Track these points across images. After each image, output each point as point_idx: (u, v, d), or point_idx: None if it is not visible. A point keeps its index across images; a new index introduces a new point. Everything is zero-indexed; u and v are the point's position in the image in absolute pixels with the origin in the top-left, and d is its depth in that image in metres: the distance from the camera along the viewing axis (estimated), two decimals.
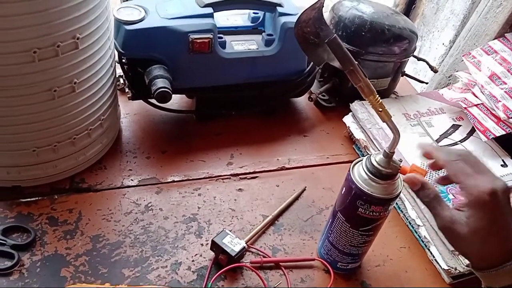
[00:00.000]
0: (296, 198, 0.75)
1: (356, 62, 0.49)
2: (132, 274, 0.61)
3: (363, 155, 0.83)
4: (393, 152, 0.51)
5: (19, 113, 0.60)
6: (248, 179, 0.78)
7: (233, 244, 0.63)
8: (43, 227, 0.64)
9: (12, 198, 0.67)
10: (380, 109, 0.49)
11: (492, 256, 0.47)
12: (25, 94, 0.58)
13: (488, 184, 0.46)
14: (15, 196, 0.68)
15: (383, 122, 0.50)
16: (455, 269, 0.64)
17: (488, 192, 0.45)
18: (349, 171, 0.55)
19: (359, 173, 0.54)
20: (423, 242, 0.70)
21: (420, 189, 0.51)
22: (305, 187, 0.77)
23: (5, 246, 0.61)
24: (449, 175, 0.50)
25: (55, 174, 0.69)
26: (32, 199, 0.68)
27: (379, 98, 0.49)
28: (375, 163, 0.52)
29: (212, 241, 0.63)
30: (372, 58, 0.88)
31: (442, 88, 0.96)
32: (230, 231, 0.68)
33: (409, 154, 0.74)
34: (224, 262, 0.62)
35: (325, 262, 0.64)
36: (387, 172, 0.52)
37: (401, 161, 0.52)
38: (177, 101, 0.89)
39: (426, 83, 1.03)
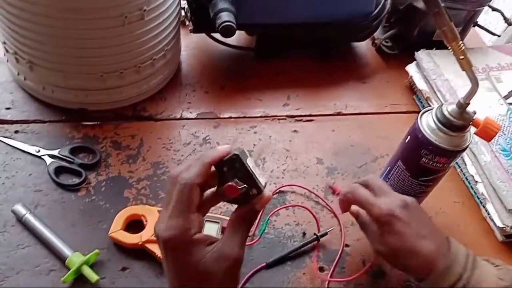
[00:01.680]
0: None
1: (443, 5, 0.46)
2: None
3: (423, 107, 0.80)
4: (468, 103, 0.49)
5: (89, 37, 0.61)
6: (304, 121, 0.78)
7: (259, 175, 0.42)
8: (107, 149, 0.67)
9: (78, 120, 0.70)
10: (462, 57, 0.47)
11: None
12: (97, 17, 0.59)
13: (386, 205, 0.49)
14: (81, 118, 0.71)
15: (463, 70, 0.48)
16: (511, 227, 0.63)
17: (384, 215, 0.49)
18: (416, 119, 0.54)
19: (428, 122, 0.53)
20: (479, 198, 0.68)
21: (356, 217, 0.56)
22: None
23: (73, 164, 0.64)
24: (354, 201, 0.53)
25: (119, 101, 0.71)
26: (97, 122, 0.70)
27: (462, 44, 0.47)
28: (446, 113, 0.51)
29: (237, 156, 0.40)
30: (446, 4, 0.82)
31: None
32: (284, 170, 0.69)
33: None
34: (234, 192, 0.40)
35: None
36: (459, 123, 0.50)
37: (475, 113, 0.50)
38: (237, 37, 0.88)
39: (498, 36, 0.97)
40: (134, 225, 0.59)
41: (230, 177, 0.40)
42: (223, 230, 0.57)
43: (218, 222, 0.58)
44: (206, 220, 0.58)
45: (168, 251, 0.38)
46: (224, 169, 0.40)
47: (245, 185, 0.40)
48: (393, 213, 0.48)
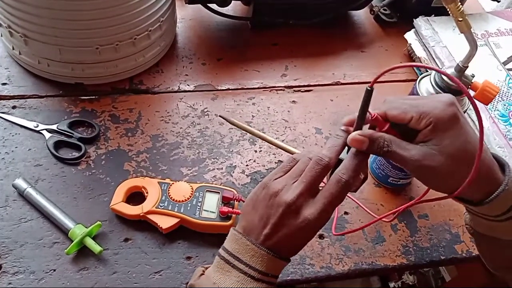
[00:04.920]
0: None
1: None
2: (190, 172, 0.64)
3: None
4: (467, 66, 0.49)
5: (84, 8, 0.60)
6: (302, 91, 0.77)
7: None
8: (106, 123, 0.67)
9: (75, 95, 0.70)
10: (460, 19, 0.46)
11: (481, 178, 0.40)
12: None
13: (442, 98, 0.40)
14: (79, 92, 0.70)
15: (461, 32, 0.47)
16: None
17: (449, 103, 0.39)
18: (415, 84, 0.54)
19: (426, 87, 0.53)
20: None
21: (370, 144, 0.41)
22: None
23: (72, 138, 0.64)
24: (397, 115, 0.41)
25: (115, 74, 0.70)
26: (94, 96, 0.70)
27: (460, 6, 0.46)
28: (445, 77, 0.50)
29: None
30: None
31: None
32: (283, 141, 0.69)
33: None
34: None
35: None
36: (457, 87, 0.50)
37: (473, 76, 0.50)
38: (233, 7, 0.87)
39: (498, 1, 0.96)
40: (135, 197, 0.59)
41: None
42: (223, 199, 0.58)
43: (219, 193, 0.59)
44: (206, 191, 0.59)
45: (292, 220, 0.41)
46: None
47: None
48: (454, 102, 0.40)
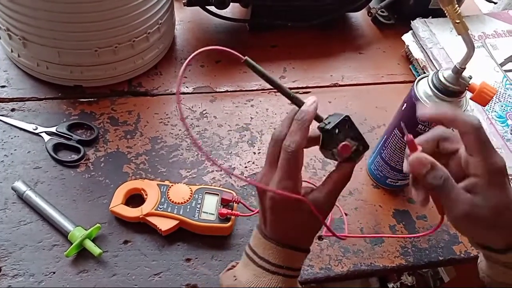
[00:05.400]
0: None
1: None
2: (189, 174, 0.64)
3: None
4: (464, 68, 0.49)
5: (82, 11, 0.61)
6: (301, 93, 0.77)
7: None
8: (105, 125, 0.67)
9: (74, 97, 0.70)
10: (458, 21, 0.47)
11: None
12: None
13: (502, 160, 0.39)
14: (78, 95, 0.70)
15: (459, 34, 0.48)
16: None
17: (503, 168, 0.39)
18: (413, 86, 0.54)
19: (424, 89, 0.53)
20: None
21: (429, 171, 0.38)
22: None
23: (71, 141, 0.64)
24: (466, 146, 0.39)
25: (114, 76, 0.70)
26: (93, 99, 0.70)
27: (458, 8, 0.46)
28: (442, 79, 0.51)
29: (348, 117, 0.42)
30: None
31: None
32: None
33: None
34: (348, 151, 0.42)
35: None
36: (455, 88, 0.50)
37: (471, 78, 0.50)
38: (231, 9, 0.87)
39: (495, 3, 0.96)
40: (135, 199, 0.59)
41: (342, 137, 0.41)
42: (222, 201, 0.58)
43: (218, 194, 0.59)
44: (205, 192, 0.59)
45: (280, 209, 0.42)
46: (336, 131, 0.41)
47: (356, 144, 0.42)
48: (505, 169, 0.39)
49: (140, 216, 0.57)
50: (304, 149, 0.42)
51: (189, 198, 0.58)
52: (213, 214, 0.57)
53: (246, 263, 0.44)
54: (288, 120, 0.43)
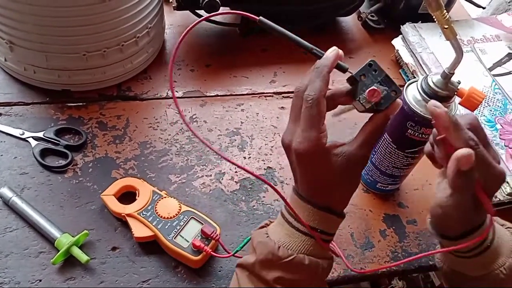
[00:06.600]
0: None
1: None
2: (178, 180, 0.63)
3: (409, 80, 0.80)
4: (453, 73, 0.49)
5: (70, 15, 0.60)
6: (291, 98, 0.77)
7: None
8: (93, 130, 0.67)
9: (62, 102, 0.69)
10: (446, 26, 0.47)
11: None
12: None
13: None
14: (66, 99, 0.70)
15: (447, 40, 0.48)
16: (495, 197, 0.64)
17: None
18: (402, 90, 0.54)
19: (413, 94, 0.53)
20: None
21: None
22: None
23: (59, 146, 0.63)
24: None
25: (103, 81, 0.70)
26: (81, 103, 0.69)
27: (446, 13, 0.47)
28: (431, 84, 0.51)
29: (374, 62, 0.43)
30: None
31: (501, 14, 0.90)
32: (272, 147, 0.69)
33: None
34: (377, 96, 0.41)
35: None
36: (444, 93, 0.50)
37: (459, 83, 0.50)
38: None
39: (483, 8, 0.97)
40: (128, 196, 0.59)
41: (369, 82, 0.41)
42: (202, 232, 0.55)
43: (202, 224, 0.56)
44: (192, 217, 0.56)
45: (305, 160, 0.41)
46: (361, 77, 0.41)
47: (386, 88, 0.40)
48: None
49: (122, 214, 0.56)
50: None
51: (174, 216, 0.56)
52: (188, 241, 0.54)
53: (281, 223, 0.44)
54: (310, 74, 0.43)
